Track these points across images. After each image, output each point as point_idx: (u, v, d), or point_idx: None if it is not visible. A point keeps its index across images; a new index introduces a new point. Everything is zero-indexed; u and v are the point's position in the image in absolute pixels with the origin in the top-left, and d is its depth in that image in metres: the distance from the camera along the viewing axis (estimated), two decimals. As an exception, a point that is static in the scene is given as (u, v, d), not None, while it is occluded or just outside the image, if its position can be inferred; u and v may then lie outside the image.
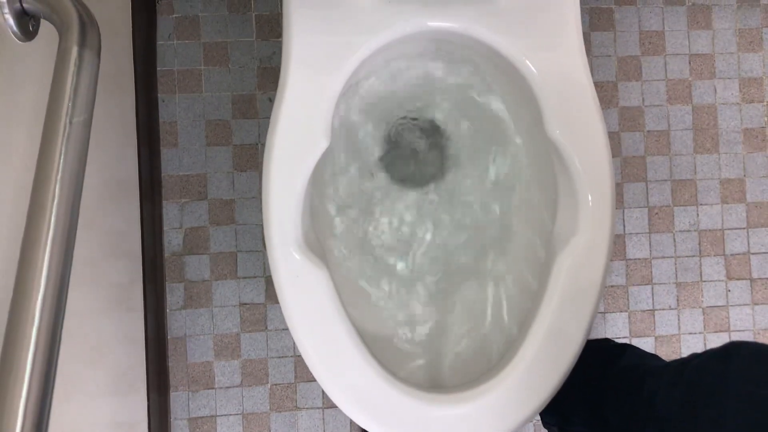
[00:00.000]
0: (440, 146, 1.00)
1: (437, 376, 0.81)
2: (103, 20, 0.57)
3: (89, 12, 0.54)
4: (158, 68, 1.18)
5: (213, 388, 1.18)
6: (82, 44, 0.52)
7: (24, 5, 0.55)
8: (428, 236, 0.92)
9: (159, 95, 1.18)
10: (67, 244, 0.45)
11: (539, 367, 0.71)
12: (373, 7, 0.74)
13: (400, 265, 0.92)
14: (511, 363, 0.71)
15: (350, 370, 0.70)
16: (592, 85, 0.75)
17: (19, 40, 0.58)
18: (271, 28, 1.20)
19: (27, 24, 0.57)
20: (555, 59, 0.75)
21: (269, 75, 1.19)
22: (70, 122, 0.48)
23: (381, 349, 0.76)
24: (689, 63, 1.27)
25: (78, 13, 0.53)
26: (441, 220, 0.93)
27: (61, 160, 0.46)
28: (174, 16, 1.19)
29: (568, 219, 0.75)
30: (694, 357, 0.68)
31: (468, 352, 0.83)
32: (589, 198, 0.73)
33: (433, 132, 1.01)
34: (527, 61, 0.74)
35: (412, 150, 1.02)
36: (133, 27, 1.07)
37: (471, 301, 0.88)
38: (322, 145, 0.71)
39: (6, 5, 0.54)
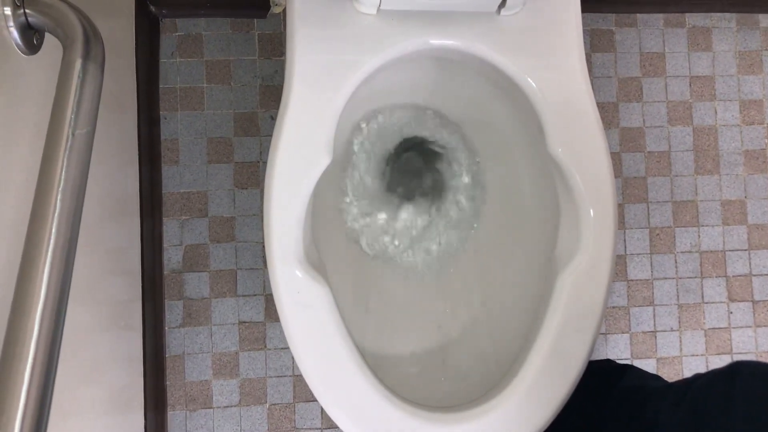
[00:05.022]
0: (440, 164, 1.00)
1: (439, 396, 0.80)
2: (107, 38, 0.57)
3: (93, 26, 0.55)
4: (161, 86, 1.19)
5: (211, 408, 1.17)
6: (86, 57, 0.52)
7: (29, 19, 0.55)
8: (428, 249, 0.92)
9: (161, 113, 1.18)
10: (68, 255, 0.44)
11: (541, 388, 0.70)
12: (375, 25, 0.74)
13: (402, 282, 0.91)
14: (513, 383, 0.70)
15: (351, 388, 0.69)
16: (595, 104, 0.75)
17: (24, 53, 0.58)
18: (273, 47, 1.21)
19: (31, 38, 0.58)
20: (557, 78, 0.75)
21: (271, 93, 1.20)
22: (73, 134, 0.48)
23: (382, 368, 0.75)
24: (690, 85, 1.28)
25: (83, 26, 0.53)
26: (440, 238, 0.92)
27: (63, 172, 0.46)
28: (177, 34, 1.19)
29: (570, 238, 0.75)
30: (697, 377, 0.67)
31: (469, 372, 0.83)
32: (591, 216, 0.73)
33: (434, 151, 1.01)
34: (529, 80, 0.74)
35: (413, 169, 1.02)
36: (136, 45, 1.07)
37: (472, 319, 0.87)
38: (325, 161, 0.71)
39: (11, 19, 0.54)
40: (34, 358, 0.41)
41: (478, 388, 0.75)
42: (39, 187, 0.46)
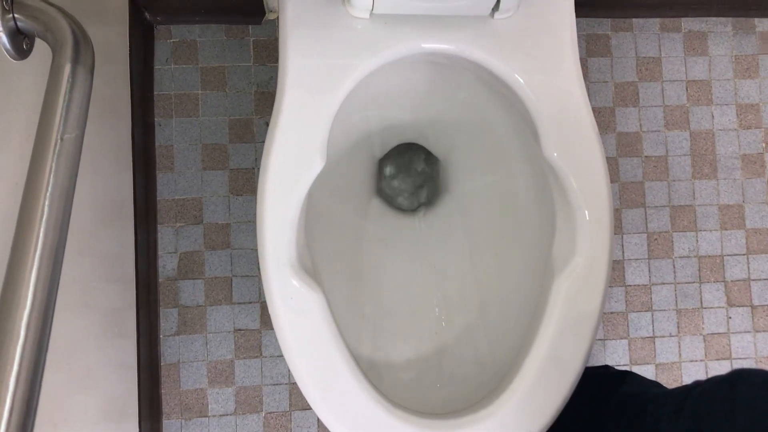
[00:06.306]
0: (436, 168, 1.00)
1: (435, 402, 0.79)
2: (101, 44, 0.57)
3: (83, 30, 0.54)
4: (155, 92, 1.18)
5: (206, 416, 1.16)
6: (75, 61, 0.51)
7: (18, 24, 0.55)
8: (425, 258, 0.91)
9: (156, 119, 1.18)
10: (56, 260, 0.44)
11: (537, 394, 0.70)
12: (368, 29, 0.74)
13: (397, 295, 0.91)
14: (509, 389, 0.70)
15: (346, 395, 0.69)
16: (590, 107, 0.75)
17: (13, 58, 0.57)
18: (268, 53, 1.20)
19: (21, 43, 0.57)
20: (552, 82, 0.75)
21: (266, 99, 1.19)
22: (61, 139, 0.47)
23: (378, 374, 0.74)
24: (686, 89, 1.28)
25: (72, 31, 0.53)
26: (436, 243, 0.92)
27: (51, 177, 0.46)
28: (172, 40, 1.19)
29: (566, 242, 0.74)
30: (697, 384, 0.66)
31: (466, 378, 0.82)
32: (587, 220, 0.72)
33: (430, 155, 1.01)
34: (524, 84, 0.74)
35: (409, 173, 1.02)
36: (130, 51, 1.07)
37: (469, 324, 0.87)
38: (318, 166, 0.70)
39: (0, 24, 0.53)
40: (20, 366, 0.41)
41: (475, 394, 0.74)
42: (26, 191, 0.46)
